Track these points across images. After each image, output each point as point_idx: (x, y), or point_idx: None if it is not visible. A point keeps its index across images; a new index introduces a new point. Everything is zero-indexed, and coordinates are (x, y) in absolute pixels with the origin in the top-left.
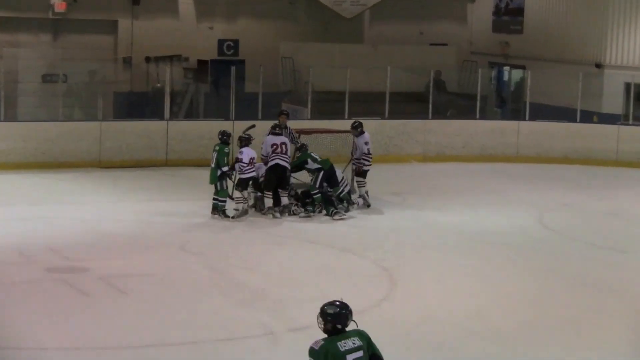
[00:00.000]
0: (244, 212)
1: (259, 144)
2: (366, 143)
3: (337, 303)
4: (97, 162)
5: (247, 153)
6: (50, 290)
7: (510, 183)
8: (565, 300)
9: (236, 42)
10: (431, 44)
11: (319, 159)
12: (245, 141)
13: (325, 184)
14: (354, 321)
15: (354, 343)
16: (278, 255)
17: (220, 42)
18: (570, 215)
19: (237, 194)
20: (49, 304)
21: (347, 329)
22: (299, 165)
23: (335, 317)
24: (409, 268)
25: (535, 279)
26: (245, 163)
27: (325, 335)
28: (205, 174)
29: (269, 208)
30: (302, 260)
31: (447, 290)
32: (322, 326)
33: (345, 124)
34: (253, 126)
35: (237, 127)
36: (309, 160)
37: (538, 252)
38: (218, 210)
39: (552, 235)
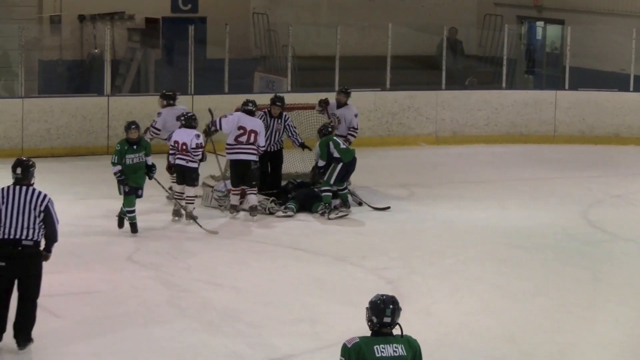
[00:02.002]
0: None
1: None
2: (356, 115)
3: (384, 295)
4: (19, 150)
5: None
6: None
7: (547, 170)
8: (617, 317)
9: None
10: None
11: (342, 147)
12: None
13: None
14: (399, 325)
15: (395, 351)
16: (253, 266)
17: None
18: (623, 210)
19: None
20: None
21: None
22: (329, 155)
23: (374, 308)
24: (419, 280)
25: (579, 290)
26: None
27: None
28: (159, 162)
29: (232, 206)
30: (283, 273)
31: (468, 307)
32: (367, 321)
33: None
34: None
35: (197, 103)
36: (330, 144)
37: (583, 258)
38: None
39: (600, 236)
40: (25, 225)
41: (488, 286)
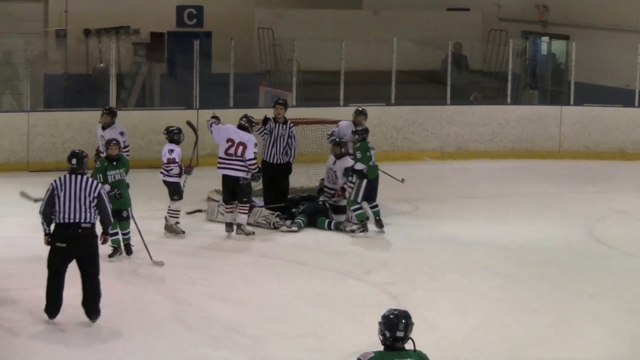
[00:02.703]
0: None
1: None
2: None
3: (397, 310)
4: (25, 164)
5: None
6: None
7: (552, 185)
8: (620, 332)
9: (200, 8)
10: (449, 9)
11: (373, 160)
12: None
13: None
14: (412, 340)
15: None
16: (257, 280)
17: (180, 10)
18: (627, 225)
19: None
20: None
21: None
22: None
23: (387, 323)
24: (423, 294)
25: (583, 305)
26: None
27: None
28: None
29: (226, 224)
30: (287, 287)
31: (473, 321)
32: (379, 335)
33: (340, 112)
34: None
35: (203, 118)
36: (357, 153)
37: (588, 273)
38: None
39: (605, 251)
40: (83, 209)
41: (492, 301)
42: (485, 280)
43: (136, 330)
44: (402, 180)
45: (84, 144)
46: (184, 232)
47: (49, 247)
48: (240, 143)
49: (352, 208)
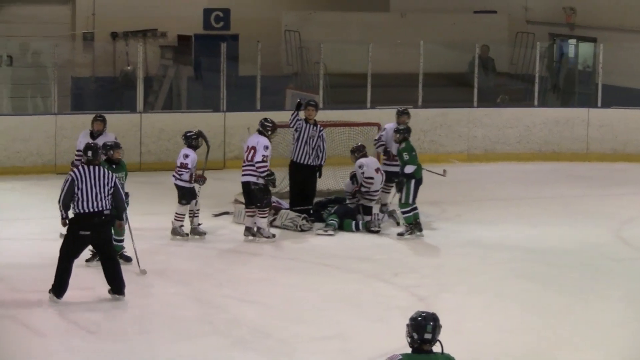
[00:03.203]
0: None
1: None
2: None
3: (425, 312)
4: (52, 166)
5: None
6: None
7: (579, 188)
8: None
9: (227, 11)
10: (476, 12)
11: (415, 158)
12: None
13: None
14: (440, 342)
15: None
16: (283, 283)
17: (207, 12)
18: None
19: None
20: None
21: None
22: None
23: (414, 325)
24: (451, 297)
25: (611, 308)
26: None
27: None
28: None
29: (245, 228)
30: (313, 289)
31: (499, 325)
32: (407, 337)
33: (367, 115)
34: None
35: (229, 121)
36: (404, 155)
37: (616, 276)
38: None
39: (633, 253)
40: (103, 197)
41: (519, 303)
42: (512, 283)
43: (163, 333)
44: (444, 172)
45: None
46: (187, 235)
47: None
48: (252, 147)
49: (403, 210)
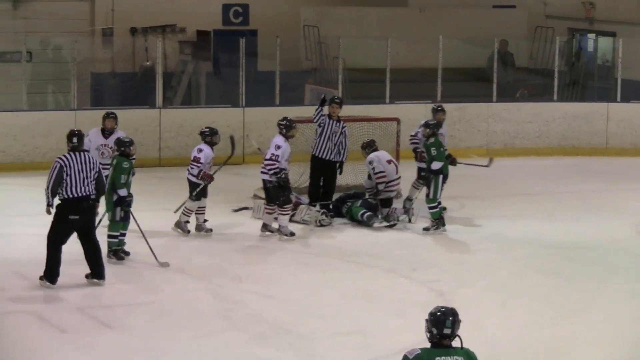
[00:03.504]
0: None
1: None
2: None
3: (444, 307)
4: None
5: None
6: (16, 326)
7: (598, 183)
8: None
9: (245, 7)
10: (494, 6)
11: (443, 154)
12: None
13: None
14: (459, 337)
15: None
16: (303, 278)
17: (226, 8)
18: None
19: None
20: (16, 343)
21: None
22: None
23: (434, 320)
24: (470, 292)
25: (630, 303)
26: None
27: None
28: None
29: (263, 225)
30: (334, 285)
31: (519, 320)
32: (426, 332)
33: (386, 110)
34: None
35: (248, 116)
36: (432, 150)
37: (635, 271)
38: (108, 250)
39: None
40: (90, 182)
41: (538, 299)
42: (531, 279)
43: (183, 328)
44: (490, 161)
45: None
46: (189, 232)
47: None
48: (269, 147)
49: (429, 206)
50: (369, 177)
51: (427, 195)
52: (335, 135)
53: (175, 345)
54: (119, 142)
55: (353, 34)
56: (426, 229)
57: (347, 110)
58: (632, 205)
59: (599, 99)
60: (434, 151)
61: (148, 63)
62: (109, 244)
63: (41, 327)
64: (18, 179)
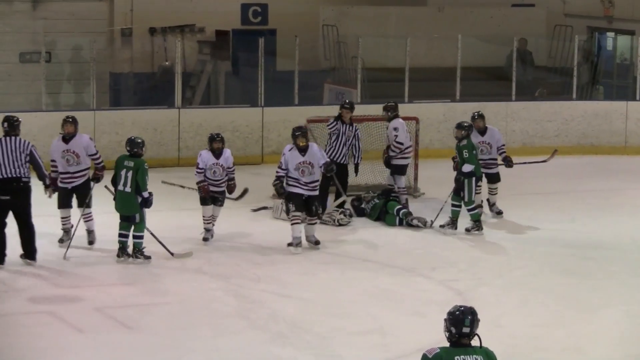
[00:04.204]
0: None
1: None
2: (395, 129)
3: (463, 306)
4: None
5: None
6: (35, 326)
7: (618, 181)
8: None
9: (264, 6)
10: (513, 5)
11: (475, 157)
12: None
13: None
14: (478, 336)
15: None
16: (321, 277)
17: (245, 7)
18: None
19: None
20: (34, 343)
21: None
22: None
23: (452, 319)
24: (488, 291)
25: None
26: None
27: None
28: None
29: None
30: (352, 284)
31: (537, 319)
32: (445, 332)
33: (405, 109)
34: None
35: (267, 116)
36: (464, 152)
37: None
38: (136, 251)
39: None
40: (20, 165)
41: (557, 297)
42: (550, 277)
43: (201, 327)
44: (554, 153)
45: (150, 141)
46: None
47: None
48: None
49: (468, 208)
50: (391, 170)
51: (463, 198)
52: (348, 139)
53: (194, 345)
54: (132, 143)
55: (372, 33)
56: (468, 230)
57: (366, 109)
58: None
59: (618, 97)
60: (466, 153)
61: (167, 63)
62: (136, 245)
63: (59, 327)
64: (34, 179)
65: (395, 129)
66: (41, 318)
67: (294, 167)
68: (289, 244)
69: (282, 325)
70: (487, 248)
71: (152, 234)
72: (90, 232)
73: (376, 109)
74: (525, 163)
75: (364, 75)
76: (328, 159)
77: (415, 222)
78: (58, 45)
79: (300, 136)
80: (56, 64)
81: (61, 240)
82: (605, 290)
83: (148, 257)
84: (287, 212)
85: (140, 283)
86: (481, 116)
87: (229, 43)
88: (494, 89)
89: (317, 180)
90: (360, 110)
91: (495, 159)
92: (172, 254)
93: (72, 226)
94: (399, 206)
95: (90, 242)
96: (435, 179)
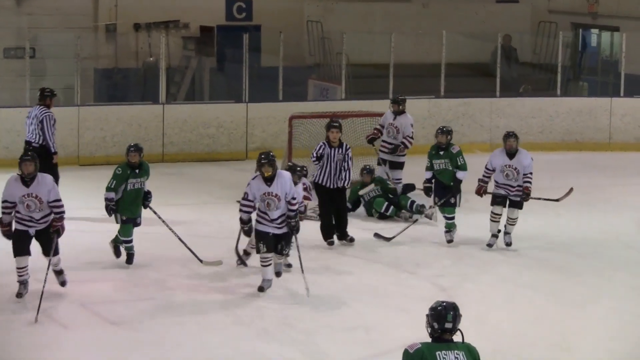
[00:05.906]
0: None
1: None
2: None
3: (445, 301)
4: (75, 158)
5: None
6: (19, 321)
7: (602, 177)
8: None
9: (249, 2)
10: (498, 1)
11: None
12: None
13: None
14: (461, 332)
15: (456, 357)
16: (307, 274)
17: (229, 3)
18: None
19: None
20: (20, 339)
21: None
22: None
23: (434, 315)
24: (473, 287)
25: (634, 298)
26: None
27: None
28: (213, 171)
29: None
30: (337, 280)
31: (522, 315)
32: (427, 327)
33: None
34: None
35: (251, 112)
36: (459, 159)
37: (638, 265)
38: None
39: None
40: None
41: (542, 294)
42: (536, 273)
43: (187, 323)
44: (568, 193)
45: (134, 137)
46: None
47: None
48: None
49: (450, 216)
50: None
51: (456, 204)
52: (339, 164)
53: (180, 340)
54: (133, 148)
55: (356, 29)
56: (427, 216)
57: (351, 105)
58: (635, 200)
59: (603, 94)
60: (460, 160)
61: (151, 59)
62: (125, 248)
63: (44, 323)
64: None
65: (412, 125)
66: (28, 315)
67: (259, 199)
68: (260, 288)
69: (267, 321)
70: (471, 244)
71: (180, 239)
72: (59, 274)
73: (361, 105)
74: (539, 199)
75: (348, 71)
76: (300, 201)
77: (428, 211)
78: (42, 41)
79: (266, 164)
80: (40, 59)
81: (19, 295)
82: (591, 286)
83: (117, 255)
84: (257, 251)
85: (122, 279)
86: (515, 136)
87: (213, 39)
88: (479, 85)
89: (283, 215)
90: (344, 106)
91: (522, 187)
92: (201, 260)
93: (29, 277)
94: (412, 200)
95: (62, 284)
96: (419, 175)
